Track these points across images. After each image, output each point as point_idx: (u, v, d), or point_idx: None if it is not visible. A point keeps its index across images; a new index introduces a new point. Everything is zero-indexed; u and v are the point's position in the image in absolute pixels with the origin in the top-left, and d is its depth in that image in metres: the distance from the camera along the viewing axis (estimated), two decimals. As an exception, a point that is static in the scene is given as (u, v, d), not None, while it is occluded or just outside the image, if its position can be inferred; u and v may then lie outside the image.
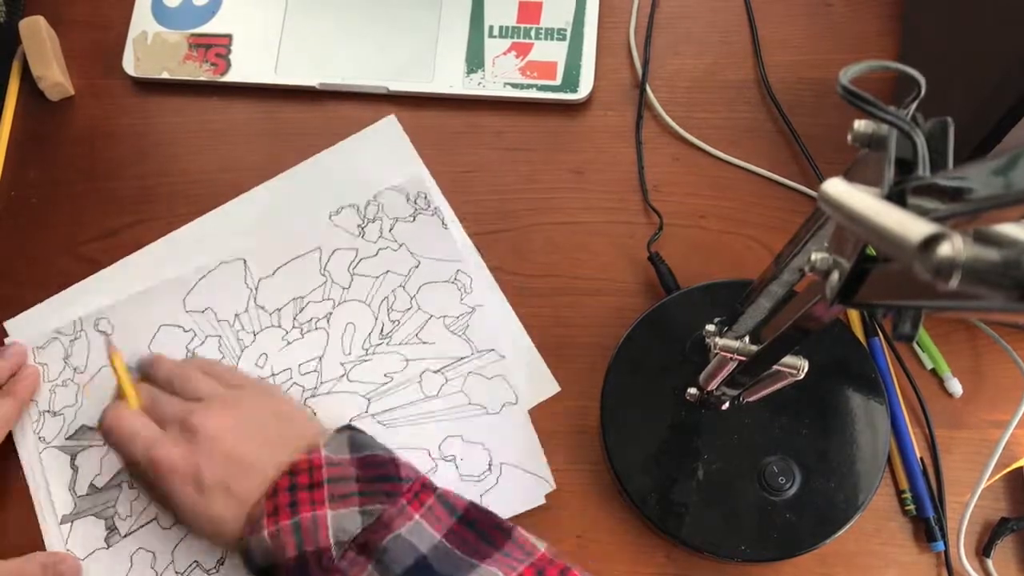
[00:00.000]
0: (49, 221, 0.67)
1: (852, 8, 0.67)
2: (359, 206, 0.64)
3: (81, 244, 0.66)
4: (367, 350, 0.61)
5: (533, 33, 0.67)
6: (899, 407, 0.58)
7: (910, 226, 0.21)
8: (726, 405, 0.55)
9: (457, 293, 0.62)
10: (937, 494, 0.56)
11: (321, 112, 0.68)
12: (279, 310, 0.63)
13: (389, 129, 0.67)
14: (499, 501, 0.57)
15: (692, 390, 0.55)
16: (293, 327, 0.62)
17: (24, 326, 0.64)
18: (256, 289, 0.63)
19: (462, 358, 0.61)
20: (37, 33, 0.68)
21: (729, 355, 0.44)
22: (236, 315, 0.63)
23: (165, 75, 0.69)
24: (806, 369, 0.42)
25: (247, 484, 0.52)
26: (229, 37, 0.69)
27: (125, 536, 0.59)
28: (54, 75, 0.68)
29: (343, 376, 0.61)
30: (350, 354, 0.62)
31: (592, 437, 0.59)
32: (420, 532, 0.48)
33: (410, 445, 0.59)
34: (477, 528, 0.49)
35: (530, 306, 0.62)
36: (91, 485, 0.61)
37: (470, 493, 0.57)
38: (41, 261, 0.66)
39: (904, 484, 0.57)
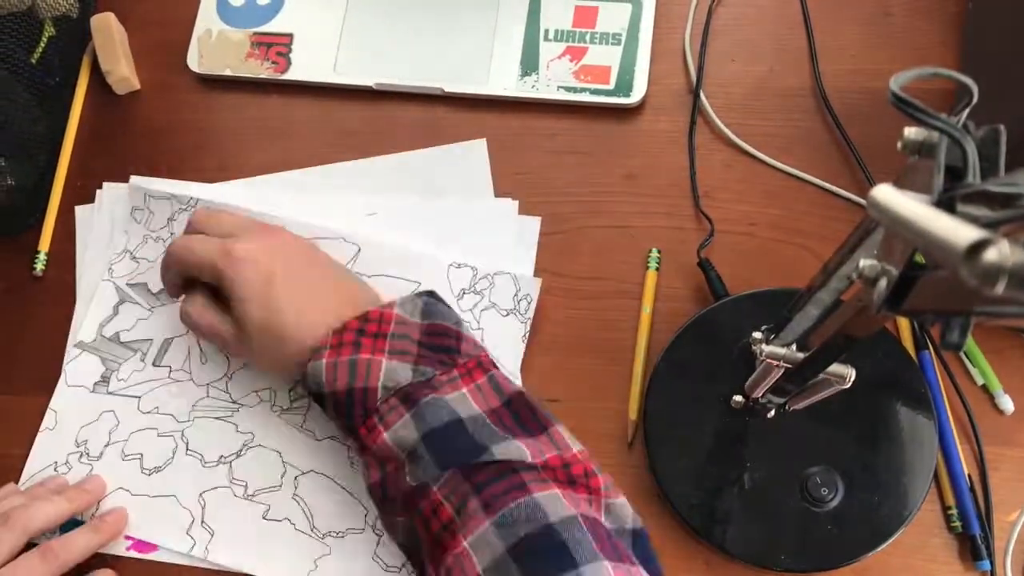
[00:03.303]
0: (112, 211, 0.69)
1: (912, 18, 0.67)
2: (477, 273, 0.63)
3: (142, 234, 0.68)
4: None
5: (588, 37, 0.67)
6: (948, 422, 0.57)
7: (957, 231, 0.21)
8: (771, 413, 0.54)
9: None
10: (984, 512, 0.56)
11: (377, 111, 0.69)
12: None
13: (478, 152, 0.68)
14: None
15: (738, 397, 0.55)
16: None
17: (146, 185, 0.67)
18: None
19: None
20: (107, 29, 0.70)
21: (775, 362, 0.44)
22: None
23: (228, 72, 0.70)
24: (853, 377, 0.42)
25: (322, 281, 0.56)
26: (290, 36, 0.71)
27: (109, 393, 0.63)
28: (121, 70, 0.70)
29: None
30: None
31: (634, 443, 0.59)
32: (464, 402, 0.51)
33: (357, 495, 0.59)
34: (518, 415, 0.52)
35: (577, 308, 0.63)
36: (116, 334, 0.65)
37: (369, 574, 0.58)
38: (103, 250, 0.68)
39: (951, 500, 0.56)
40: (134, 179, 0.68)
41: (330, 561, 0.58)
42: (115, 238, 0.67)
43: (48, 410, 0.63)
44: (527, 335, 0.62)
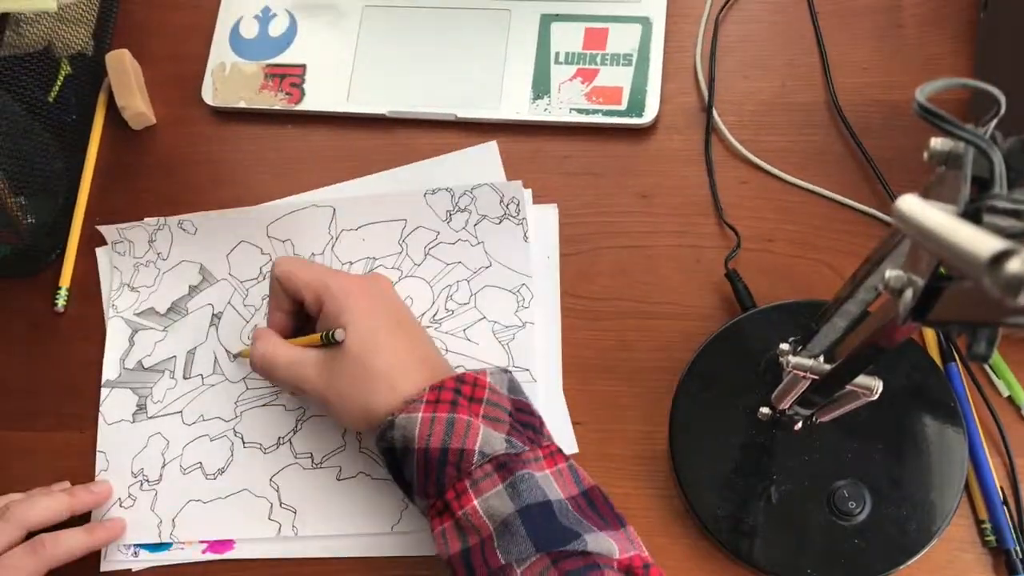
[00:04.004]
0: (131, 245, 0.69)
1: (923, 29, 0.67)
2: (455, 193, 0.65)
3: (161, 267, 0.69)
4: None
5: (599, 59, 0.68)
6: (978, 434, 0.56)
7: (980, 242, 0.21)
8: (799, 426, 0.54)
9: (515, 304, 0.63)
10: (1018, 524, 0.55)
11: (391, 139, 0.69)
12: (351, 263, 0.65)
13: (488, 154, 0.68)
14: None
15: (764, 409, 0.54)
16: None
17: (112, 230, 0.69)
18: (337, 238, 0.66)
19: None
20: (122, 65, 0.71)
21: (802, 373, 0.44)
22: (312, 255, 0.66)
23: (242, 104, 0.71)
24: (880, 390, 0.41)
25: (418, 337, 0.56)
26: (303, 67, 0.71)
27: (150, 418, 0.64)
28: (137, 105, 0.70)
29: None
30: None
31: (659, 461, 0.59)
32: (549, 484, 0.50)
33: None
34: (596, 507, 0.51)
35: (595, 329, 0.63)
36: (139, 363, 0.65)
37: None
38: (123, 284, 0.68)
39: (984, 514, 0.55)
40: (102, 228, 0.68)
41: None
42: (106, 276, 0.68)
43: (97, 453, 0.63)
44: (527, 234, 0.64)
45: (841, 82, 0.66)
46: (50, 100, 0.69)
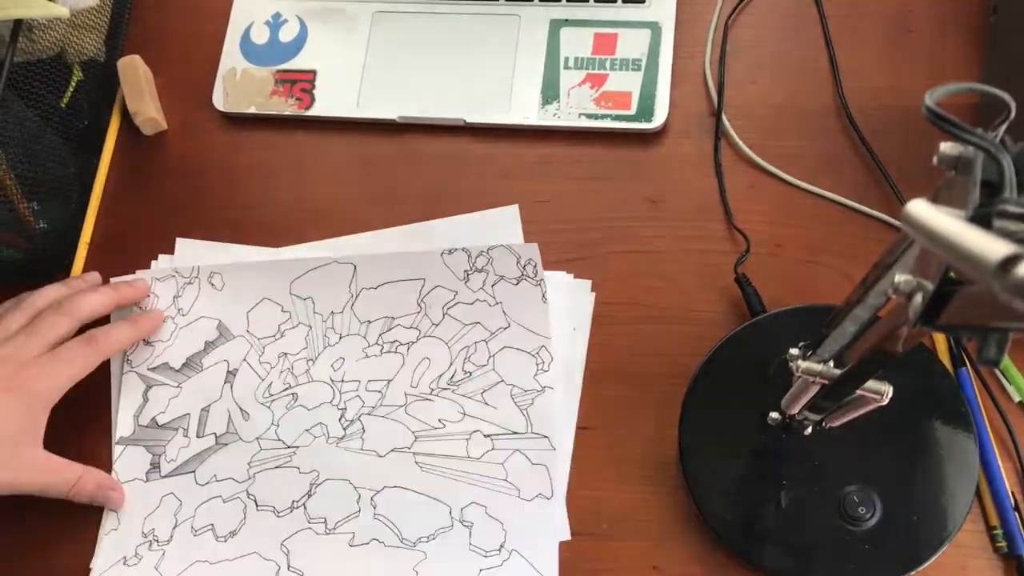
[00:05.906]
0: (142, 250, 0.70)
1: (933, 34, 0.67)
2: (471, 253, 0.64)
3: (172, 272, 0.69)
4: (432, 390, 0.62)
5: (608, 64, 0.68)
6: (989, 440, 0.56)
7: (989, 246, 0.21)
8: (808, 431, 0.54)
9: (534, 367, 0.62)
10: (1029, 530, 0.55)
11: (400, 144, 0.69)
12: (370, 322, 0.65)
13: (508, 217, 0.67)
14: None
15: (774, 415, 0.54)
16: (376, 343, 0.64)
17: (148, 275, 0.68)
18: (356, 296, 0.65)
19: (515, 433, 0.61)
20: (134, 71, 0.72)
21: (812, 378, 0.44)
22: (332, 313, 0.65)
23: (253, 110, 0.71)
24: (890, 394, 0.41)
25: None
26: (314, 73, 0.72)
27: (163, 477, 0.63)
28: (148, 111, 0.71)
29: (402, 407, 0.62)
30: (416, 387, 0.63)
31: (668, 466, 0.59)
32: None
33: (435, 496, 0.60)
34: None
35: (605, 335, 0.63)
36: (153, 419, 0.64)
37: (470, 565, 0.58)
38: (134, 288, 0.69)
39: (995, 520, 0.55)
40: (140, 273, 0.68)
41: (428, 564, 0.58)
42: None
43: (106, 512, 0.62)
44: (545, 295, 0.63)
45: (850, 87, 0.66)
46: (62, 106, 0.69)
